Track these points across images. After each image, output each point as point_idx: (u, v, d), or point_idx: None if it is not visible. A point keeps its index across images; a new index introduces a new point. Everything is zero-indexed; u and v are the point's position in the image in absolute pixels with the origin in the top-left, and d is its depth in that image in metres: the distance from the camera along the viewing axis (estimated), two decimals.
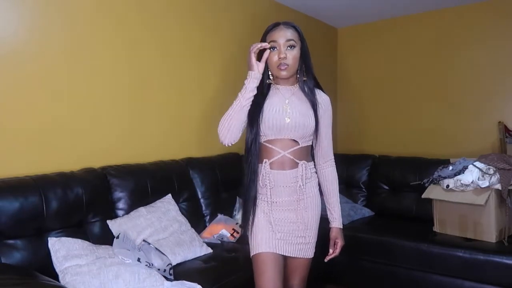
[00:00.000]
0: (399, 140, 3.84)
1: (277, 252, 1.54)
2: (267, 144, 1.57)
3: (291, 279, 1.65)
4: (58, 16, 1.96)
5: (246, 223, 1.59)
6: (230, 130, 1.52)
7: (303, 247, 1.60)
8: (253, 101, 1.56)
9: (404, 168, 3.13)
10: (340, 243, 1.69)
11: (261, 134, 1.56)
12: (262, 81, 1.60)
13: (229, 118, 1.52)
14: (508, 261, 2.17)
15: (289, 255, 1.57)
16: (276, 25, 1.57)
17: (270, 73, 1.60)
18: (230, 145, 1.56)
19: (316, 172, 1.66)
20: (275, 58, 1.53)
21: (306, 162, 1.57)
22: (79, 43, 2.05)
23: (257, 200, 1.58)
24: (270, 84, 1.62)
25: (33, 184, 1.70)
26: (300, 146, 1.56)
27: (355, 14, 3.79)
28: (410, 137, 3.78)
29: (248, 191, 1.58)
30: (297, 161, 1.56)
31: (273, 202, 1.56)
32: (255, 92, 1.52)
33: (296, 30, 1.57)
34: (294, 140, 1.56)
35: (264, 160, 1.56)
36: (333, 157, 1.68)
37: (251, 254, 1.56)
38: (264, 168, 1.55)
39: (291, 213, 1.57)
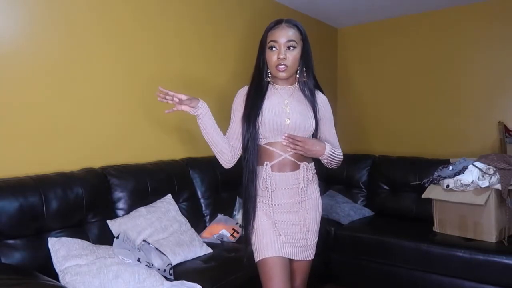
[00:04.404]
0: (399, 140, 3.84)
1: (283, 256, 1.52)
2: (267, 147, 1.55)
3: (292, 280, 1.63)
4: (58, 17, 1.96)
5: (247, 223, 1.58)
6: (219, 155, 1.59)
7: (305, 249, 1.59)
8: (250, 101, 1.56)
9: (404, 168, 3.13)
10: (306, 143, 1.51)
11: (260, 137, 1.55)
12: (260, 80, 1.60)
13: (210, 146, 1.59)
14: (508, 261, 2.17)
15: (293, 258, 1.56)
16: (278, 23, 1.55)
17: (269, 71, 1.58)
18: (230, 167, 1.64)
19: (317, 173, 1.65)
20: (274, 58, 1.52)
21: (307, 163, 1.57)
22: (79, 44, 2.05)
23: (259, 203, 1.56)
24: (268, 83, 1.61)
25: (33, 184, 1.70)
26: None
27: (355, 14, 3.79)
28: (410, 137, 3.78)
29: (247, 191, 1.57)
30: (299, 162, 1.55)
31: (275, 204, 1.54)
32: (203, 121, 1.56)
33: (298, 29, 1.55)
34: None
35: (265, 162, 1.55)
36: (339, 148, 1.67)
37: (257, 259, 1.53)
38: (265, 171, 1.54)
39: (293, 215, 1.56)
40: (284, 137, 1.52)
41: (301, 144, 1.50)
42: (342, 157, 1.65)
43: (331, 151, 1.58)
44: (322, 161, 1.64)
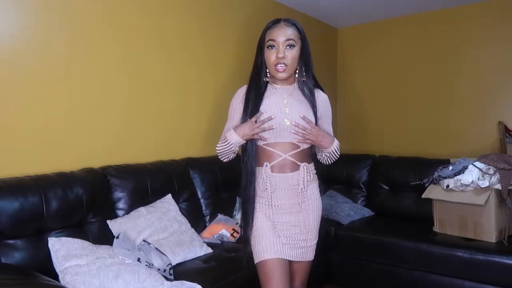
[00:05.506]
0: (399, 140, 3.84)
1: (283, 257, 1.52)
2: (266, 147, 1.55)
3: (292, 281, 1.63)
4: (58, 17, 1.96)
5: (246, 225, 1.57)
6: (224, 157, 1.63)
7: (304, 250, 1.58)
8: (249, 101, 1.56)
9: (404, 168, 3.13)
10: (318, 134, 1.52)
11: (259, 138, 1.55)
12: (259, 80, 1.59)
13: (222, 151, 1.60)
14: (508, 261, 2.17)
15: (292, 259, 1.56)
16: (276, 22, 1.54)
17: (267, 70, 1.57)
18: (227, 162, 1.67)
19: (316, 173, 1.65)
20: (273, 57, 1.51)
21: (307, 164, 1.56)
22: (79, 44, 2.05)
23: (258, 204, 1.56)
24: (267, 83, 1.60)
25: (33, 184, 1.70)
26: (301, 148, 1.55)
27: (355, 14, 3.79)
28: (410, 137, 3.78)
29: (246, 192, 1.56)
30: (298, 163, 1.54)
31: (274, 205, 1.54)
32: (237, 146, 1.58)
33: (297, 28, 1.54)
34: (294, 143, 1.54)
35: (265, 163, 1.54)
36: None
37: (256, 261, 1.53)
38: (265, 172, 1.53)
39: (292, 216, 1.55)
40: (294, 124, 1.51)
41: (313, 131, 1.50)
42: (339, 155, 1.66)
43: (336, 147, 1.60)
44: (320, 155, 1.64)
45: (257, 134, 1.52)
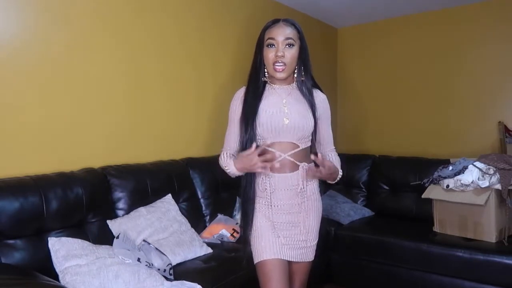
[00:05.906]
0: (399, 140, 3.84)
1: (282, 258, 1.51)
2: (266, 147, 1.54)
3: (292, 282, 1.62)
4: (58, 17, 1.96)
5: (246, 225, 1.57)
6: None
7: (304, 251, 1.58)
8: (248, 102, 1.56)
9: (404, 168, 3.13)
10: (325, 168, 1.48)
11: (259, 138, 1.54)
12: (257, 80, 1.58)
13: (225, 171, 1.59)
14: (508, 261, 2.17)
15: (292, 260, 1.56)
16: (275, 22, 1.54)
17: (266, 70, 1.57)
18: None
19: None
20: (272, 55, 1.50)
21: (306, 164, 1.56)
22: (79, 44, 2.05)
23: (258, 204, 1.56)
24: (265, 83, 1.59)
25: (33, 184, 1.70)
26: (301, 148, 1.55)
27: (355, 14, 3.79)
28: (410, 137, 3.78)
29: (245, 193, 1.56)
30: (298, 163, 1.54)
31: (274, 205, 1.54)
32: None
33: (296, 28, 1.54)
34: (293, 143, 1.54)
35: None
36: (334, 148, 1.69)
37: (256, 261, 1.53)
38: (264, 172, 1.53)
39: (292, 217, 1.55)
40: (313, 157, 1.48)
41: (324, 170, 1.47)
42: (339, 162, 1.66)
43: (338, 178, 1.61)
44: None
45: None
